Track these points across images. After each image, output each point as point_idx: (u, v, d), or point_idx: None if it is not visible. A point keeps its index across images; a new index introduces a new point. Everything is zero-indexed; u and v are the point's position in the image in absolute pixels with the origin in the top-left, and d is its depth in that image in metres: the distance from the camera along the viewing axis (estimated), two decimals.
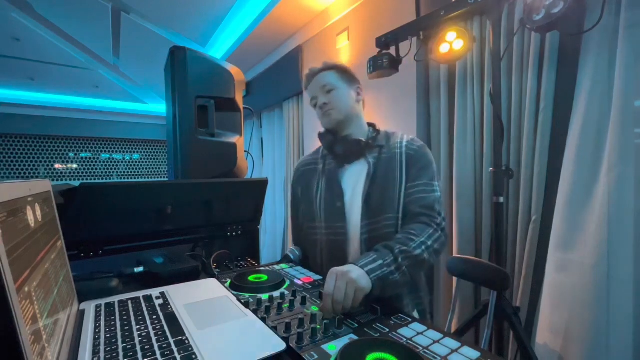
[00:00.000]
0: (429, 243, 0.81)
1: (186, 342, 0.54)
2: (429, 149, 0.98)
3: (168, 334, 0.57)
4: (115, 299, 0.73)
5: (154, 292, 0.77)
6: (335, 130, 1.01)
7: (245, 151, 1.47)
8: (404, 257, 0.76)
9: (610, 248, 1.04)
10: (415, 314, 0.92)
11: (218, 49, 3.41)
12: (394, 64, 1.56)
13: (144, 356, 0.50)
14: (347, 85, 1.01)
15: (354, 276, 0.66)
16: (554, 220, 1.21)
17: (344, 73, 1.03)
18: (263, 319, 0.62)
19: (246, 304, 0.69)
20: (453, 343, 0.55)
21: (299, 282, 0.85)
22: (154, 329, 0.59)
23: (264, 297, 0.74)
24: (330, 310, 0.64)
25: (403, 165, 0.93)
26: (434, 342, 0.55)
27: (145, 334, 0.57)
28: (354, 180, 0.97)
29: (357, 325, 0.61)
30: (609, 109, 1.08)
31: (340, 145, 0.98)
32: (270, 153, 3.75)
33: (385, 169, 0.93)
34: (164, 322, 0.61)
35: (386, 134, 1.01)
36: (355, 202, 0.94)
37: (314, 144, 2.87)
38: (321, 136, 1.04)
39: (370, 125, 1.06)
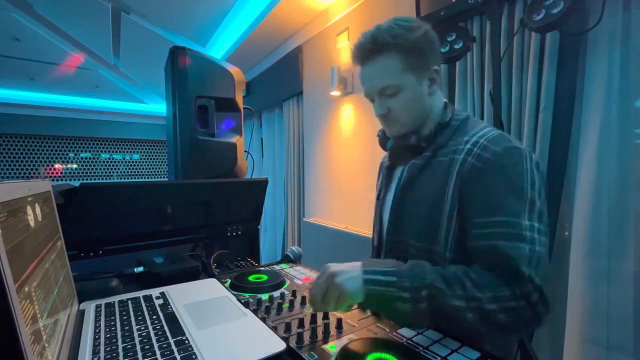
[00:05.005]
0: (488, 307, 0.53)
1: (186, 342, 0.54)
2: (520, 153, 0.61)
3: (168, 334, 0.57)
4: (115, 299, 0.73)
5: (154, 292, 0.77)
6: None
7: (245, 151, 1.47)
8: (430, 295, 0.54)
9: None
10: None
11: (218, 49, 3.41)
12: None
13: (144, 356, 0.50)
14: (417, 77, 0.69)
15: (339, 280, 0.54)
16: (575, 226, 1.16)
17: (414, 54, 0.68)
18: (263, 319, 0.62)
19: (246, 304, 0.69)
20: (453, 343, 0.55)
21: (299, 282, 0.85)
22: (154, 329, 0.59)
23: (264, 297, 0.74)
24: (315, 305, 0.57)
25: (453, 178, 0.64)
26: (434, 342, 0.55)
27: (145, 334, 0.57)
28: (394, 185, 0.78)
29: (357, 325, 0.61)
30: (631, 108, 1.05)
31: (390, 149, 0.81)
32: (270, 153, 3.75)
33: (430, 178, 0.69)
34: (164, 322, 0.61)
35: (457, 127, 0.71)
36: (387, 210, 0.79)
37: (314, 144, 2.87)
38: (378, 134, 0.87)
39: (446, 108, 0.75)
